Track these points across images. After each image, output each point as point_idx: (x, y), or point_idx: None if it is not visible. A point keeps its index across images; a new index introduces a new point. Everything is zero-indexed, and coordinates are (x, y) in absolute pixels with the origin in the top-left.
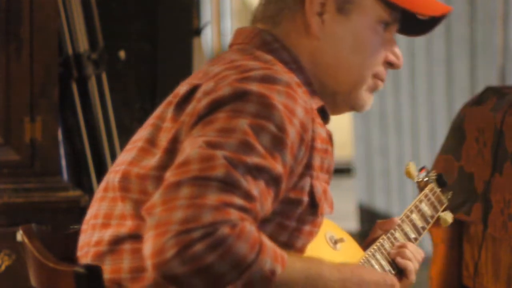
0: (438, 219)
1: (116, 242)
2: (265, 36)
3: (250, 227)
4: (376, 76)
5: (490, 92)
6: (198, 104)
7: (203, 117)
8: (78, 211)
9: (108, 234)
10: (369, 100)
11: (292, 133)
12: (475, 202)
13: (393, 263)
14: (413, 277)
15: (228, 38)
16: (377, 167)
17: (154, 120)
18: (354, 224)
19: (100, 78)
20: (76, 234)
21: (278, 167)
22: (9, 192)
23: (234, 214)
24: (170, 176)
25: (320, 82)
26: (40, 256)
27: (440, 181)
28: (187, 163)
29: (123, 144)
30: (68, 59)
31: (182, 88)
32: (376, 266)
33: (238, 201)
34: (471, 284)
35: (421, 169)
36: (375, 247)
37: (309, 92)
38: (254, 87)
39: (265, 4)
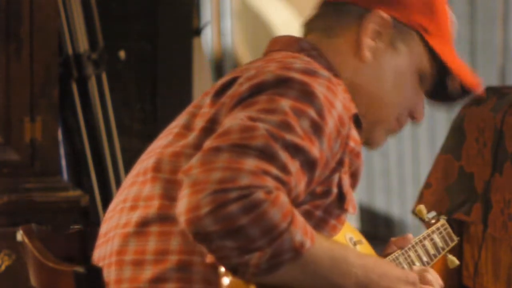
0: (445, 258)
1: (144, 224)
2: (303, 44)
3: (284, 197)
4: (398, 120)
5: (490, 92)
6: (239, 87)
7: (244, 99)
8: (78, 211)
9: (136, 215)
10: (383, 140)
11: (330, 123)
12: (475, 202)
13: None
14: None
15: (228, 38)
16: (377, 167)
17: (191, 108)
18: (354, 224)
19: (100, 78)
20: (76, 234)
21: (315, 151)
22: (9, 192)
23: (270, 182)
24: (209, 143)
25: (353, 99)
26: (40, 256)
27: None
28: (227, 132)
29: (123, 144)
30: (68, 59)
31: (221, 80)
32: None
33: (275, 171)
34: (471, 284)
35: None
36: (390, 258)
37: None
38: (296, 75)
39: (320, 16)
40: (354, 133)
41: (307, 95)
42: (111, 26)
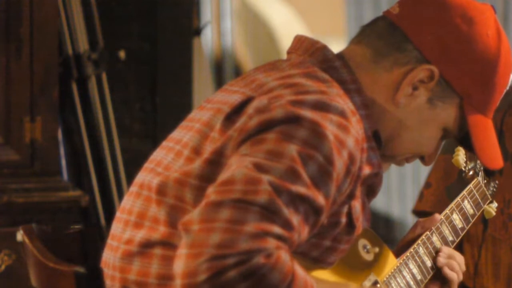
0: (481, 211)
1: (147, 246)
2: (327, 53)
3: (285, 256)
4: (406, 160)
5: None
6: (249, 121)
7: (252, 136)
8: (78, 211)
9: (140, 235)
10: (386, 169)
11: (339, 165)
12: None
13: (425, 272)
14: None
15: (228, 38)
16: None
17: (201, 126)
18: None
19: (100, 78)
20: (76, 234)
21: (320, 199)
22: (9, 192)
23: (271, 243)
24: (212, 193)
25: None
26: (40, 256)
27: (488, 170)
28: (231, 182)
29: (123, 144)
30: (68, 59)
31: (234, 97)
32: (408, 276)
33: (277, 229)
34: (471, 284)
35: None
36: (408, 254)
37: (365, 116)
38: (307, 113)
39: (379, 37)
40: (370, 156)
41: (317, 136)
42: (111, 26)
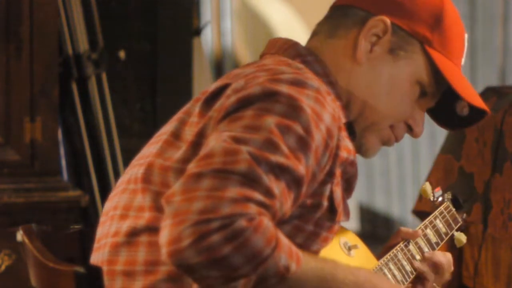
0: (452, 238)
1: (133, 234)
2: (299, 49)
3: (267, 223)
4: (392, 129)
5: (490, 92)
6: (226, 100)
7: (230, 113)
8: (78, 211)
9: (126, 225)
10: (376, 148)
11: (317, 138)
12: (475, 202)
13: (405, 274)
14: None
15: (228, 38)
16: (377, 167)
17: (181, 114)
18: (354, 224)
19: (100, 78)
20: (76, 234)
21: (301, 169)
22: (9, 192)
23: (252, 208)
24: (192, 167)
25: (347, 103)
26: (40, 256)
27: (455, 203)
28: (210, 155)
29: (123, 144)
30: (68, 59)
31: (211, 86)
32: (389, 275)
33: (258, 196)
34: (471, 284)
35: (436, 188)
36: (388, 257)
37: (340, 107)
38: (284, 88)
39: (327, 19)
40: (346, 142)
41: (294, 110)
42: (111, 26)
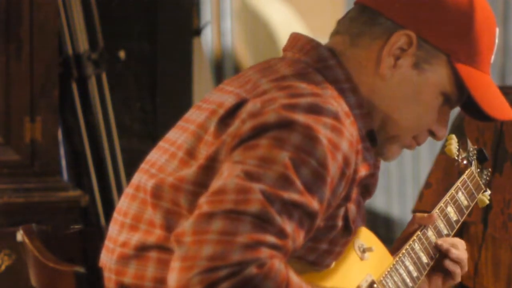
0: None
1: (143, 249)
2: (322, 51)
3: (279, 265)
4: (415, 138)
5: None
6: (242, 125)
7: (245, 141)
8: (78, 211)
9: (135, 238)
10: (397, 154)
11: (333, 169)
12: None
13: (421, 268)
14: (459, 279)
15: (228, 38)
16: None
17: (196, 128)
18: None
19: (100, 78)
20: (76, 234)
21: (314, 204)
22: (9, 192)
23: (264, 253)
24: (204, 203)
25: (369, 112)
26: (40, 256)
27: (481, 157)
28: (222, 192)
29: (123, 144)
30: (68, 59)
31: (228, 99)
32: (404, 274)
33: (270, 238)
34: (471, 284)
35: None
36: (404, 251)
37: (360, 115)
38: (300, 117)
39: (353, 20)
40: (365, 159)
41: (309, 141)
42: (111, 26)
